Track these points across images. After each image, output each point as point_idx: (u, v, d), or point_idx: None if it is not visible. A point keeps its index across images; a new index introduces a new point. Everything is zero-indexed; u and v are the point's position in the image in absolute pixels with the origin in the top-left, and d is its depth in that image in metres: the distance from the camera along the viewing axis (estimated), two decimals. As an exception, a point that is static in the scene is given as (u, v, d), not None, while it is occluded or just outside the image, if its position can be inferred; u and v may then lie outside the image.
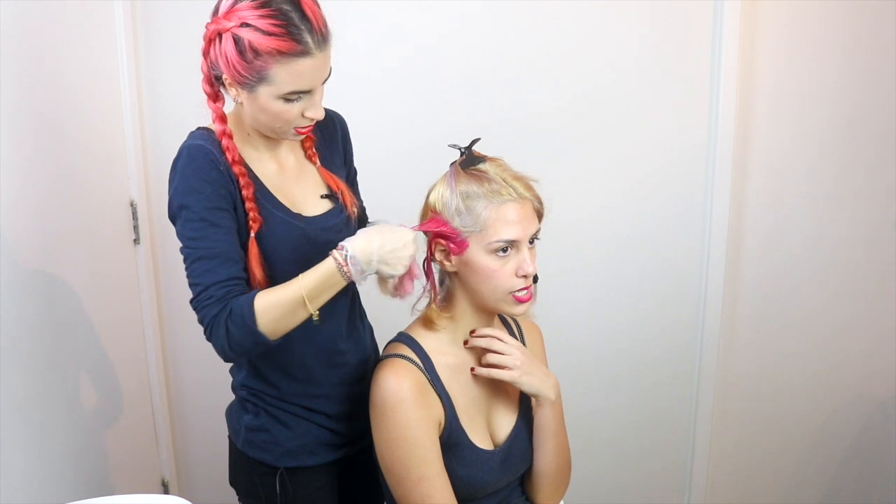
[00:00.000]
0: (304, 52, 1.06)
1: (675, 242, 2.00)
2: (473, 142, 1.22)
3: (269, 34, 1.04)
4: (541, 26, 1.88)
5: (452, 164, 1.21)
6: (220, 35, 1.07)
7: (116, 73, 1.82)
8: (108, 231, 1.82)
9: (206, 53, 1.11)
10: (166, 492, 2.06)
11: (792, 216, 2.00)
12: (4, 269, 1.34)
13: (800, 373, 2.10)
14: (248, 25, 1.04)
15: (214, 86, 1.15)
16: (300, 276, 1.12)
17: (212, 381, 2.02)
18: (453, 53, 1.87)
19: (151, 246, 1.95)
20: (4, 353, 1.32)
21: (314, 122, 1.15)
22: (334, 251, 1.12)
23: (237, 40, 1.05)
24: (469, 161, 1.19)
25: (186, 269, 1.13)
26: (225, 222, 1.13)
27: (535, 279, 1.22)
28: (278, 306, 1.10)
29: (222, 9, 1.08)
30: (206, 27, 1.10)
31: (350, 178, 1.39)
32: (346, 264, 1.11)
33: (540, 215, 1.20)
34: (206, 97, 1.16)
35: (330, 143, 1.32)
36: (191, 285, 1.13)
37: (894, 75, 1.91)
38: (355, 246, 1.11)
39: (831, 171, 1.98)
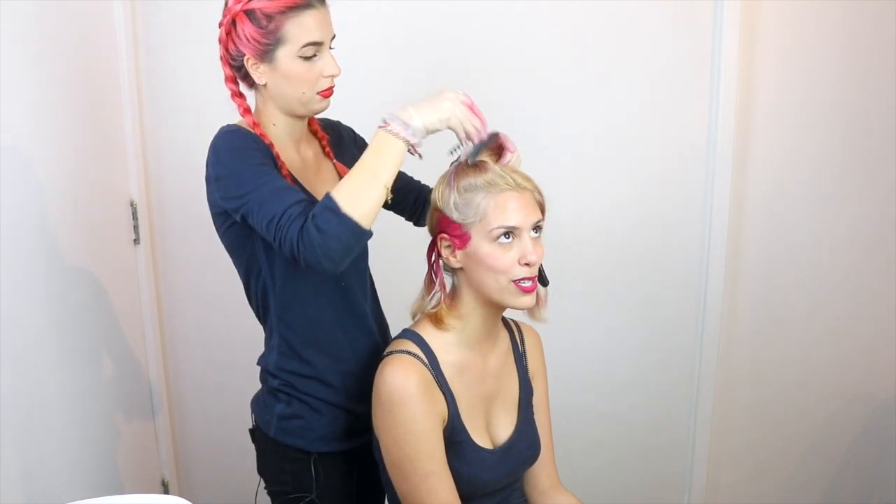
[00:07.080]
0: (308, 5, 1.18)
1: (675, 243, 2.00)
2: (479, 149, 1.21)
3: None
4: (541, 25, 1.88)
5: (452, 163, 1.21)
6: (234, 21, 1.18)
7: (116, 73, 1.82)
8: (108, 231, 1.82)
9: (226, 47, 1.21)
10: (166, 492, 2.06)
11: (792, 216, 2.00)
12: (4, 269, 1.34)
13: (800, 373, 2.10)
14: None
15: (237, 83, 1.25)
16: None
17: (212, 380, 2.03)
18: (451, 54, 1.87)
19: (151, 246, 1.95)
20: (4, 353, 1.32)
21: (333, 80, 1.23)
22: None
23: (250, 14, 1.17)
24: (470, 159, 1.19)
25: (255, 215, 1.13)
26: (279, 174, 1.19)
27: (546, 283, 1.23)
28: (352, 186, 1.10)
29: None
30: (219, 25, 1.21)
31: None
32: (386, 120, 1.13)
33: (541, 207, 1.20)
34: (230, 93, 1.25)
35: (338, 145, 1.39)
36: (267, 225, 1.12)
37: (894, 75, 1.91)
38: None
39: (831, 170, 1.98)
